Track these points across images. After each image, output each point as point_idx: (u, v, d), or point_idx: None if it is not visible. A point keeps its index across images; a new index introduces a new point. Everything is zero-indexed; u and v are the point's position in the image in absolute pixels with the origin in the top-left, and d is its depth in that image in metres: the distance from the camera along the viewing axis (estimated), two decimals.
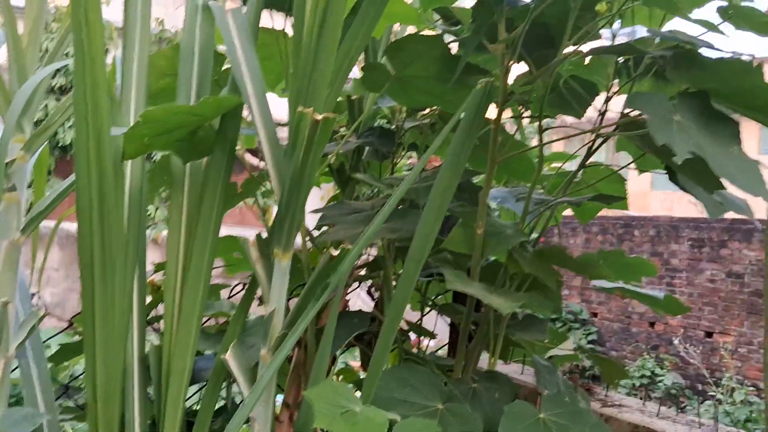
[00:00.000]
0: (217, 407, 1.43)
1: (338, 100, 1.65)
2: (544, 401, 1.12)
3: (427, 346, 1.74)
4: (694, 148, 0.91)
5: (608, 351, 10.41)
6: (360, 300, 1.75)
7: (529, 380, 1.54)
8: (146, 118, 1.00)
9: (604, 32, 1.37)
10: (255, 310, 1.27)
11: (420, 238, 1.07)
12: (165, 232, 8.89)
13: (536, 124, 1.34)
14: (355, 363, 2.27)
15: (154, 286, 1.60)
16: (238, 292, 1.65)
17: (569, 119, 1.47)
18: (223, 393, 1.55)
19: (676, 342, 9.33)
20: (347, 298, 1.66)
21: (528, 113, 1.50)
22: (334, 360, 1.63)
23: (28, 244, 1.32)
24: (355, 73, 1.51)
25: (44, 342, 2.07)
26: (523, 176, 1.65)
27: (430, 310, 1.60)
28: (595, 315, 10.72)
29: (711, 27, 1.11)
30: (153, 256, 1.19)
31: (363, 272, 1.59)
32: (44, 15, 1.32)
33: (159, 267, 1.48)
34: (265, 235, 1.12)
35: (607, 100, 1.38)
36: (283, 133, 1.12)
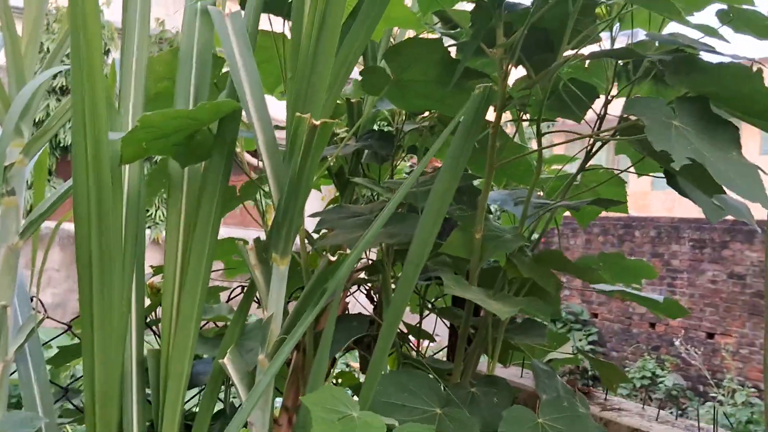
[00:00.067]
0: (216, 410, 1.43)
1: (338, 102, 1.65)
2: (542, 406, 1.12)
3: (427, 348, 1.74)
4: (692, 153, 0.91)
5: (609, 352, 10.40)
6: (359, 304, 1.75)
7: (529, 383, 1.54)
8: (144, 122, 1.00)
9: (605, 35, 1.37)
10: (255, 311, 1.27)
11: (418, 242, 1.06)
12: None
13: (535, 127, 1.33)
14: (357, 364, 2.27)
15: (154, 289, 1.60)
16: (237, 295, 1.65)
17: (570, 121, 1.46)
18: (223, 395, 1.55)
19: (677, 343, 9.32)
20: (347, 300, 1.66)
21: (527, 116, 1.50)
22: (333, 362, 1.63)
23: (29, 245, 1.31)
24: (356, 74, 1.51)
25: (45, 343, 2.07)
26: (523, 179, 1.65)
27: (429, 313, 1.60)
28: (595, 316, 10.72)
29: (710, 32, 1.11)
30: (154, 256, 1.18)
31: (362, 275, 1.59)
32: (43, 18, 1.32)
33: (158, 270, 1.48)
34: (264, 237, 1.12)
35: (606, 103, 1.38)
36: (282, 134, 1.11)
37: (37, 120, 9.85)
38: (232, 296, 1.64)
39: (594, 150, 1.37)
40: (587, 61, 1.44)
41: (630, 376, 9.34)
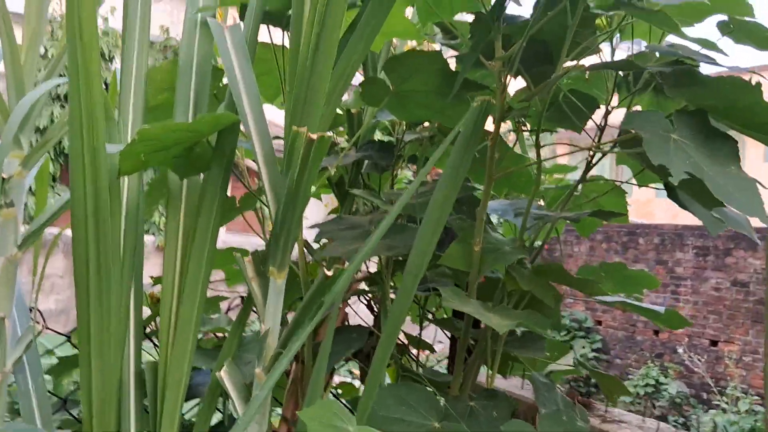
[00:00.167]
0: (215, 422, 1.43)
1: (338, 113, 1.65)
2: (541, 419, 1.12)
3: (427, 358, 1.74)
4: (690, 168, 0.91)
5: (613, 359, 10.38)
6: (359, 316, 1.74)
7: (529, 395, 1.53)
8: (142, 135, 1.00)
9: (605, 45, 1.37)
10: (256, 320, 1.27)
11: (417, 253, 1.06)
12: None
13: (535, 137, 1.33)
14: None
15: (154, 299, 1.60)
16: (237, 305, 1.65)
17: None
18: (222, 407, 1.55)
19: (680, 350, 9.29)
20: (347, 310, 1.65)
21: (527, 126, 1.49)
22: (332, 373, 1.63)
23: (31, 251, 1.31)
24: (358, 78, 1.51)
25: (49, 351, 2.07)
26: (524, 189, 1.65)
27: (428, 324, 1.60)
28: (599, 323, 10.69)
29: (709, 45, 1.10)
30: (159, 263, 1.19)
31: (362, 286, 1.59)
32: (44, 28, 1.32)
33: (158, 281, 1.48)
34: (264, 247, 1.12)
35: (607, 114, 1.38)
36: (282, 142, 1.11)
37: (41, 127, 9.90)
38: (231, 306, 1.64)
39: (594, 161, 1.36)
40: (587, 72, 1.43)
41: (633, 384, 9.32)
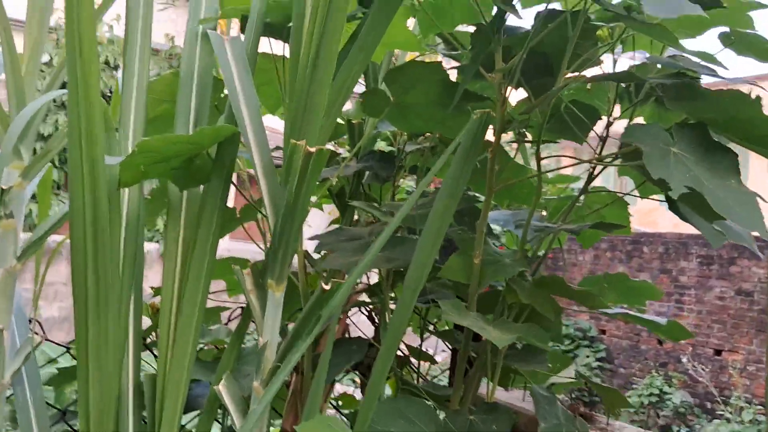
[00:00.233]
0: None
1: (340, 122, 1.65)
2: None
3: (428, 369, 1.73)
4: (690, 181, 0.90)
5: (617, 368, 10.35)
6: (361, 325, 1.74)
7: (531, 408, 1.52)
8: (141, 147, 1.00)
9: (607, 56, 1.37)
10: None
11: (416, 265, 1.06)
12: None
13: (536, 149, 1.33)
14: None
15: (155, 309, 1.59)
16: (237, 316, 1.65)
17: None
18: (221, 419, 1.54)
19: (684, 360, 9.26)
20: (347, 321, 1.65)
21: (528, 137, 1.49)
22: (333, 385, 1.62)
23: (33, 259, 1.31)
24: (361, 87, 1.51)
25: (53, 360, 2.06)
26: (525, 200, 1.65)
27: (429, 336, 1.59)
28: (603, 332, 10.67)
29: (708, 59, 1.10)
30: (162, 271, 1.19)
31: (363, 297, 1.58)
32: (45, 38, 1.33)
33: (158, 291, 1.48)
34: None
35: (608, 125, 1.37)
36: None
37: (45, 134, 9.92)
38: (232, 317, 1.63)
39: (596, 173, 1.36)
40: (589, 83, 1.43)
41: (638, 393, 9.29)
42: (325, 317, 0.93)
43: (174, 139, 1.04)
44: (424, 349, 1.68)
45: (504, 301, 1.23)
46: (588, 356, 10.39)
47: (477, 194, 1.55)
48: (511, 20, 1.21)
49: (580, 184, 1.43)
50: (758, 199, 0.96)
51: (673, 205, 1.14)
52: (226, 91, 1.39)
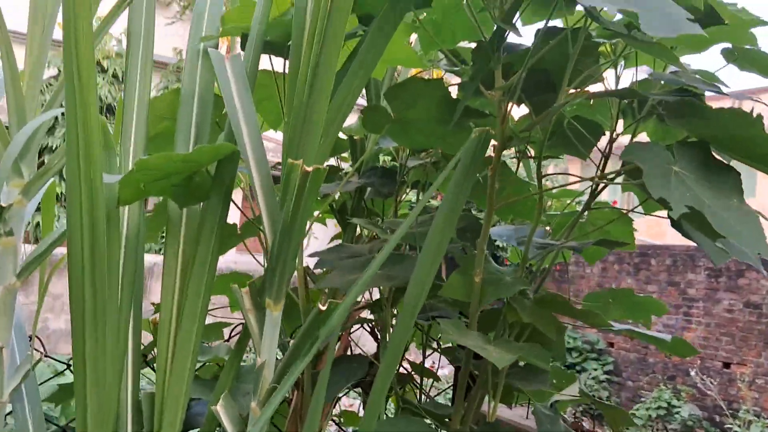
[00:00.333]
0: None
1: (342, 138, 1.65)
2: None
3: (431, 386, 1.72)
4: (691, 201, 0.90)
5: (625, 381, 10.28)
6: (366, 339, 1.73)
7: (534, 426, 1.51)
8: (140, 165, 1.00)
9: (610, 71, 1.36)
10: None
11: (415, 283, 1.05)
12: None
13: (537, 166, 1.32)
14: None
15: (157, 325, 1.59)
16: (239, 332, 1.64)
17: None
18: None
19: (693, 373, 9.19)
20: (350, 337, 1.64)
21: (531, 153, 1.48)
22: (335, 402, 1.61)
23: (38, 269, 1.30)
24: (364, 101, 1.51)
25: (61, 372, 2.06)
26: (529, 215, 1.64)
27: (432, 352, 1.58)
28: (611, 345, 10.60)
29: (709, 77, 1.10)
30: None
31: (365, 313, 1.58)
32: (46, 54, 1.32)
33: (159, 308, 1.47)
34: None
35: (611, 141, 1.37)
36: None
37: (54, 147, 9.96)
38: (233, 333, 1.62)
39: (599, 189, 1.35)
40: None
41: (646, 407, 9.22)
42: (322, 337, 0.92)
43: (173, 158, 1.04)
44: (430, 362, 1.67)
45: (505, 319, 1.22)
46: (596, 369, 10.34)
47: (481, 209, 1.54)
48: (512, 37, 1.20)
49: (585, 198, 1.42)
50: (761, 218, 0.95)
51: (675, 223, 1.14)
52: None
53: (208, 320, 1.57)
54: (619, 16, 1.11)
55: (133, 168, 1.01)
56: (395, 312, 1.45)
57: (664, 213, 1.39)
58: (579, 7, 1.14)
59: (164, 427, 1.10)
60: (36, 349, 1.33)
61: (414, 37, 1.55)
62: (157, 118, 1.37)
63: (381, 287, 1.41)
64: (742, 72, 1.26)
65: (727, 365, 9.06)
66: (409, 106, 1.31)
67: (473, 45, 1.32)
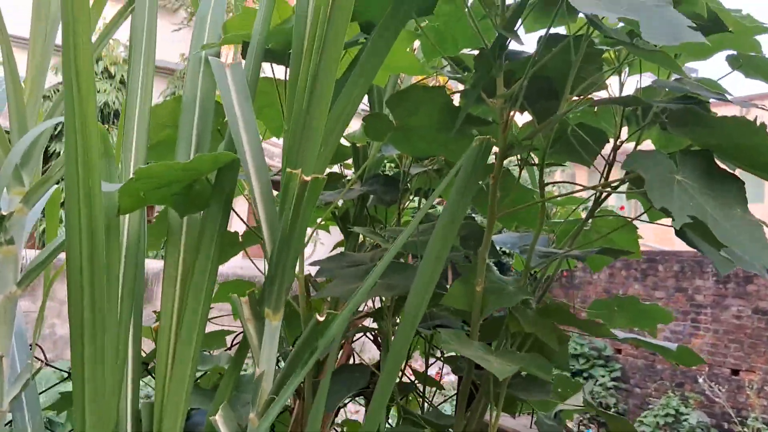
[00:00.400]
0: None
1: (344, 146, 1.64)
2: None
3: (434, 394, 1.70)
4: (694, 210, 0.89)
5: (632, 388, 10.23)
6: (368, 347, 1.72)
7: None
8: (140, 174, 0.99)
9: (614, 78, 1.35)
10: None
11: (416, 292, 1.04)
12: None
13: (539, 174, 1.31)
14: None
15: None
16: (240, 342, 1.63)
17: None
18: None
19: (701, 380, 9.14)
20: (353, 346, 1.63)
21: (535, 160, 1.47)
22: (338, 412, 1.60)
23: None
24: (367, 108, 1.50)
25: (67, 378, 2.05)
26: (532, 223, 1.63)
27: (435, 361, 1.57)
28: (619, 351, 10.56)
29: (712, 86, 1.09)
30: None
31: (367, 321, 1.57)
32: (48, 62, 1.33)
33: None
34: None
35: (615, 148, 1.36)
36: None
37: (60, 153, 9.99)
38: (235, 342, 1.62)
39: (603, 197, 1.34)
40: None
41: (654, 414, 9.17)
42: (321, 348, 0.92)
43: (173, 166, 1.04)
44: (436, 368, 1.66)
45: (507, 328, 1.21)
46: (603, 376, 10.29)
47: (485, 217, 1.53)
48: (514, 44, 1.20)
49: (590, 205, 1.41)
50: (764, 227, 0.94)
51: (680, 231, 1.13)
52: None
53: (212, 328, 1.57)
54: (621, 24, 1.10)
55: (133, 176, 1.00)
56: (397, 321, 1.44)
57: (669, 221, 1.39)
58: (581, 15, 1.13)
59: (165, 429, 1.09)
60: (37, 358, 1.33)
61: (417, 44, 1.55)
62: (159, 125, 1.37)
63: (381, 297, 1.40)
64: (748, 78, 1.25)
65: (735, 372, 9.00)
66: (411, 113, 1.30)
67: (476, 52, 1.31)
